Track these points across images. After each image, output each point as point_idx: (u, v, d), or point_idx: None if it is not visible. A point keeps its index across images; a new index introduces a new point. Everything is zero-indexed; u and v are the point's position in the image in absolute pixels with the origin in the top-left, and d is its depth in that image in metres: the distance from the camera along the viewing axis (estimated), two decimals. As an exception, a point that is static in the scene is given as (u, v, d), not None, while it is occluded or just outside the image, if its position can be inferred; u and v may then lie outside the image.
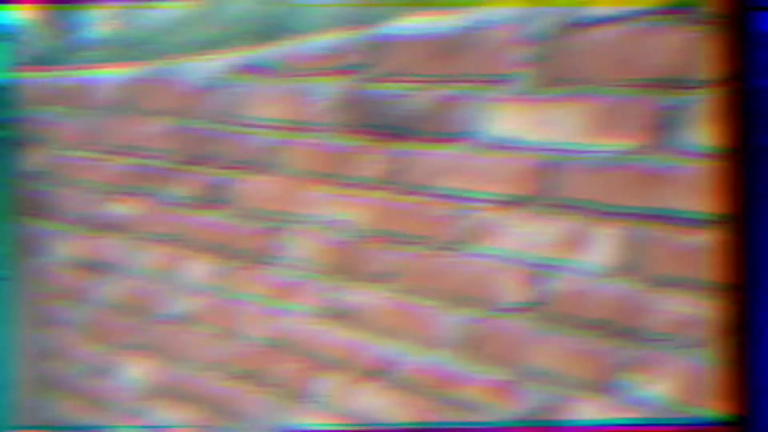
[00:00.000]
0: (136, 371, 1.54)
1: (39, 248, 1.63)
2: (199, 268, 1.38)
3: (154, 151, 1.37)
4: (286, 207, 1.24)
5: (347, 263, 1.20)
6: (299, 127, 1.19)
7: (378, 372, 1.21)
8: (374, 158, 1.13)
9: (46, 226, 1.60)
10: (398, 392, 1.20)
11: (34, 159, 1.57)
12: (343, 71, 1.13)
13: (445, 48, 1.03)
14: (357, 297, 1.20)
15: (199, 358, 1.43)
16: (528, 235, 1.02)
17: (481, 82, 1.01)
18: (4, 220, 1.62)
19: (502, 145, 1.01)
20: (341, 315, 1.23)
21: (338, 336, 1.24)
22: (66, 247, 1.58)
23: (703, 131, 0.91)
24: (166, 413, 1.52)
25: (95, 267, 1.54)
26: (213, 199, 1.32)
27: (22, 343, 1.69)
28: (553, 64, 0.96)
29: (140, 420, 1.55)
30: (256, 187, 1.26)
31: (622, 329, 0.98)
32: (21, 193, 1.62)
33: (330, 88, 1.15)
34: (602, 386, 1.00)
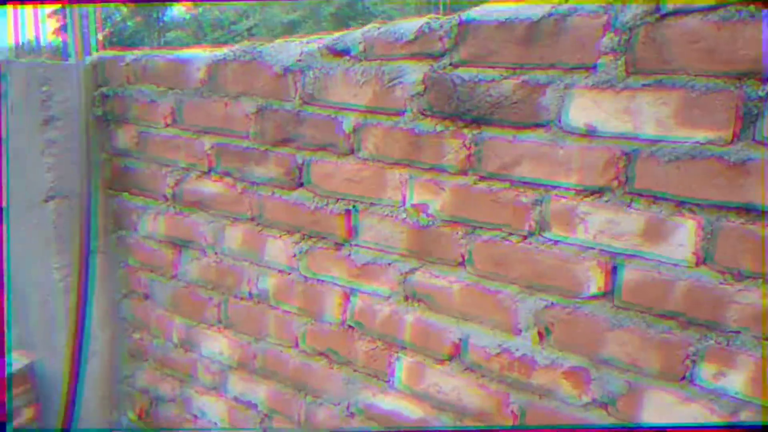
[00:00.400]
0: (218, 345, 1.60)
1: (128, 222, 1.69)
2: (280, 248, 1.42)
3: (241, 131, 1.40)
4: (367, 190, 1.26)
5: (426, 247, 1.22)
6: (382, 110, 1.21)
7: (452, 354, 1.23)
8: (456, 144, 1.13)
9: (135, 201, 1.66)
10: (471, 374, 1.22)
11: (124, 136, 1.62)
12: (428, 56, 1.13)
13: (531, 34, 1.03)
14: (434, 280, 1.23)
15: (280, 335, 1.48)
16: (606, 224, 1.02)
17: (566, 69, 1.01)
18: (96, 194, 1.70)
19: (583, 134, 1.01)
20: (418, 298, 1.25)
21: (414, 318, 1.27)
22: (154, 223, 1.63)
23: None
24: (246, 387, 1.58)
25: (182, 242, 1.59)
26: (297, 180, 1.35)
27: (109, 314, 1.77)
28: (639, 54, 0.95)
29: (221, 393, 1.61)
30: (338, 169, 1.29)
31: (698, 320, 0.98)
32: (112, 169, 1.68)
33: (414, 72, 1.15)
34: (676, 376, 1.00)
